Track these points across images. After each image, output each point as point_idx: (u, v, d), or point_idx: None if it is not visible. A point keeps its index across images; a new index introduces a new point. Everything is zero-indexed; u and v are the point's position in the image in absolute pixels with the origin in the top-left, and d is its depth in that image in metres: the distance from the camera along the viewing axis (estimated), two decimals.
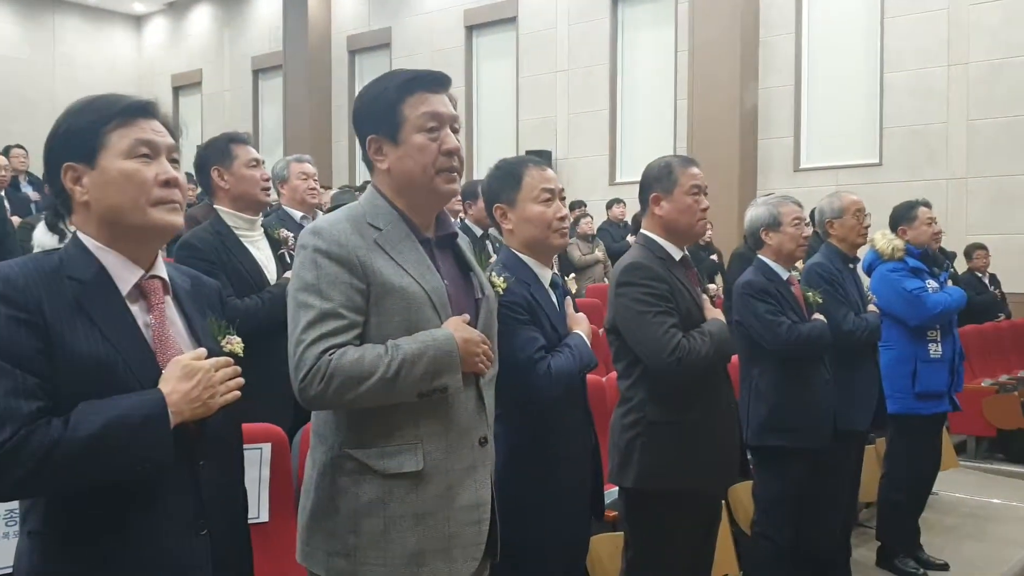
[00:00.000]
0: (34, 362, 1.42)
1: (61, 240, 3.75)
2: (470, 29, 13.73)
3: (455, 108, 2.00)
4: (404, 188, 1.95)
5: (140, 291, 1.59)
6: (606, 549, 2.98)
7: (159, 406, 1.46)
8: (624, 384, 2.87)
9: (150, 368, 1.53)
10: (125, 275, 1.57)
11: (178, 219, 1.60)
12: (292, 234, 3.41)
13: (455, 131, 1.97)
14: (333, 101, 15.22)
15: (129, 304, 1.56)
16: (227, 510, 1.65)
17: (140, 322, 1.56)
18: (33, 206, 6.98)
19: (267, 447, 2.61)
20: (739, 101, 10.37)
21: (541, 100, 12.76)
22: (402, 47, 14.34)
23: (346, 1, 15.11)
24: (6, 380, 1.39)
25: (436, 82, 1.97)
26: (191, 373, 1.52)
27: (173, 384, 1.50)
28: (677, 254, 2.89)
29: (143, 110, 1.60)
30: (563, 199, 2.57)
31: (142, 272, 1.59)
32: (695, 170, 2.89)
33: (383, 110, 1.93)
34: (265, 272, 3.22)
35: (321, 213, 4.78)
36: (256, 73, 16.29)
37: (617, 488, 2.88)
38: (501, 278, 2.29)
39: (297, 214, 4.36)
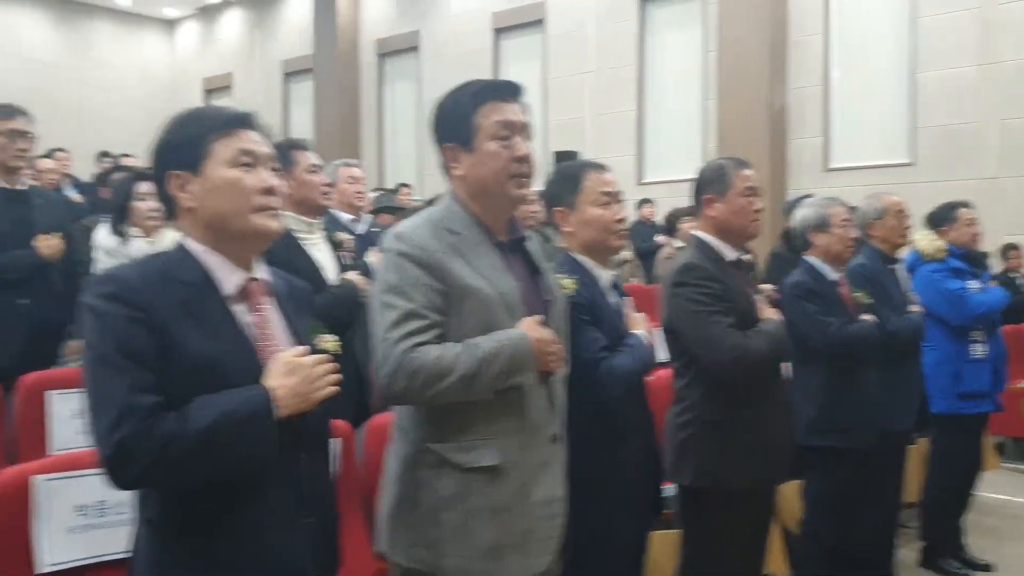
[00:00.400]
0: (150, 359, 1.50)
1: (123, 242, 3.87)
2: (498, 32, 13.81)
3: (528, 116, 2.07)
4: (478, 194, 2.02)
5: (242, 292, 1.67)
6: (661, 546, 3.03)
7: (265, 401, 1.54)
8: (679, 383, 2.92)
9: (253, 365, 1.60)
10: (228, 277, 1.65)
11: (277, 224, 1.68)
12: (351, 237, 3.50)
13: (527, 138, 2.04)
14: (362, 104, 15.35)
15: (233, 305, 1.64)
16: (322, 502, 1.73)
17: (243, 322, 1.64)
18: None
19: (336, 442, 2.69)
20: (768, 101, 10.39)
21: (568, 101, 12.81)
22: (430, 50, 14.44)
23: (375, 4, 15.23)
24: (126, 376, 1.47)
25: (509, 91, 2.05)
26: (294, 369, 1.60)
27: (278, 379, 1.58)
28: (731, 255, 2.94)
29: (244, 121, 1.68)
30: (620, 202, 2.63)
31: (244, 274, 1.67)
32: (748, 172, 2.95)
33: (458, 119, 2.01)
34: (324, 274, 3.30)
35: (365, 215, 4.87)
36: (286, 76, 16.45)
37: (672, 486, 2.94)
38: (571, 280, 2.35)
39: (345, 216, 4.46)
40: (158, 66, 18.40)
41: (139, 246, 3.88)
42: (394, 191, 9.63)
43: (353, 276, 3.31)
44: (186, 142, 1.64)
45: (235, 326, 1.63)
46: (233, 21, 17.51)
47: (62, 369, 3.47)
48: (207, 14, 17.96)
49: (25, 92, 15.85)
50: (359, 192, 4.60)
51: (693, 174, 3.04)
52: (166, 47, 18.71)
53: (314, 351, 1.70)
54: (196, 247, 1.64)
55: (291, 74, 16.41)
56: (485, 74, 13.65)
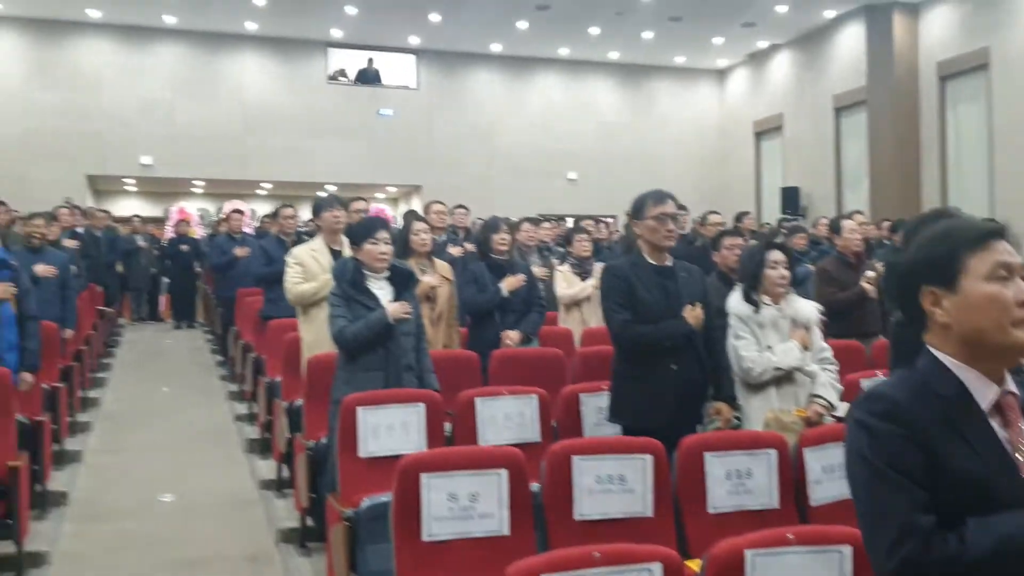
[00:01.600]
0: (920, 477, 1.55)
1: (755, 310, 4.09)
2: None
3: None
4: None
5: (996, 407, 1.66)
6: None
7: None
8: None
9: (1017, 484, 1.58)
10: (984, 392, 1.65)
11: None
12: None
13: None
14: (921, 131, 14.53)
15: (989, 419, 1.64)
16: None
17: (1000, 437, 1.63)
18: None
19: None
20: None
21: None
22: (1002, 67, 13.15)
23: (936, 26, 14.37)
24: (904, 494, 1.55)
25: None
26: None
27: None
28: None
29: (996, 233, 1.67)
30: None
31: (997, 388, 1.66)
32: None
33: None
34: None
35: None
36: (837, 111, 16.19)
37: None
38: None
39: None
40: (709, 115, 19.40)
41: (770, 314, 4.09)
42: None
43: None
44: (940, 258, 1.67)
45: (996, 442, 1.62)
46: (782, 63, 17.76)
47: (714, 433, 3.76)
48: (756, 60, 18.46)
49: (599, 152, 17.91)
50: None
51: None
52: (717, 96, 19.65)
53: None
54: (950, 361, 1.67)
55: (842, 108, 16.13)
56: None
